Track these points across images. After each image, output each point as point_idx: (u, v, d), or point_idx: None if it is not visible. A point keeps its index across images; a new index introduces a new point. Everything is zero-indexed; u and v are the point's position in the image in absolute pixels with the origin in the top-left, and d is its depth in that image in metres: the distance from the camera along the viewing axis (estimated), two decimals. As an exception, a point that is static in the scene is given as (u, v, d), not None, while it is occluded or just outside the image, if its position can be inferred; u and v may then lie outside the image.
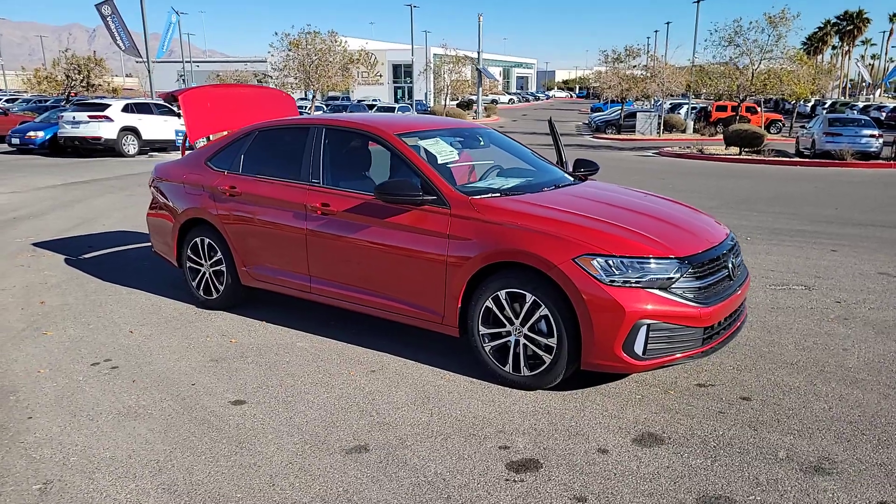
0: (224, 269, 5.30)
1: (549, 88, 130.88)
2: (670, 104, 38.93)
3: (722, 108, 35.46)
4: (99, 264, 7.06)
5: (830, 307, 5.34)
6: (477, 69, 48.92)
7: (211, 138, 6.16)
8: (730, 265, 3.96)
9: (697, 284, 3.65)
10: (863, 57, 73.44)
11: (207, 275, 5.44)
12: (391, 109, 35.69)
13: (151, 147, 21.46)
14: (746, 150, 21.19)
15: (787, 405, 3.65)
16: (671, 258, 3.61)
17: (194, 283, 5.55)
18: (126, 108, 20.73)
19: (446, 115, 34.84)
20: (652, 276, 3.54)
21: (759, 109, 33.03)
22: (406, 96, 66.79)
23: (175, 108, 22.78)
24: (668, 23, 48.05)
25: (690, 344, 3.62)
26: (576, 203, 4.20)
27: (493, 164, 5.03)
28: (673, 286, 3.57)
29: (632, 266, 3.54)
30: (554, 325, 3.66)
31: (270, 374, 4.18)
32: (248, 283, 5.22)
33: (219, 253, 5.30)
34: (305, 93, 36.10)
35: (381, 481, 2.97)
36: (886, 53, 70.80)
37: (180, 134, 21.42)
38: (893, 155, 21.45)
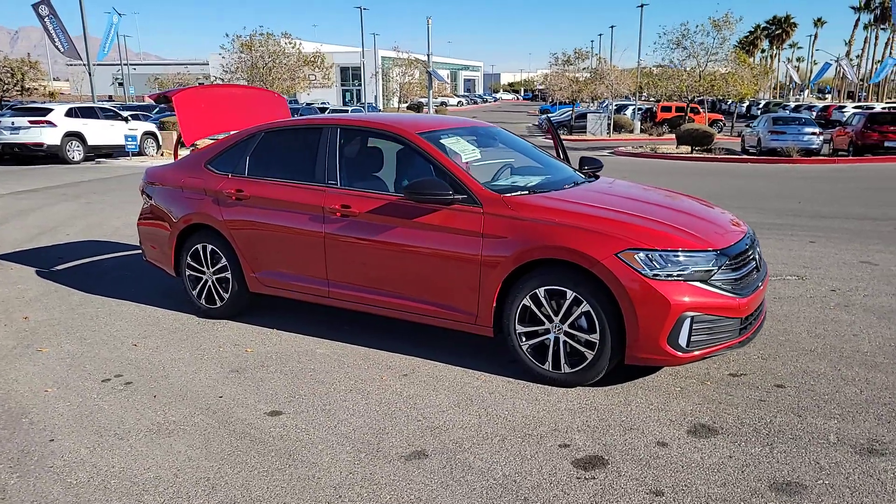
0: (229, 275, 5.10)
1: (496, 91, 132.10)
2: (616, 105, 39.85)
3: (667, 109, 36.55)
4: (76, 276, 6.71)
5: (828, 295, 5.54)
6: (427, 71, 48.99)
7: (203, 143, 5.93)
8: (756, 257, 4.04)
9: (734, 276, 3.71)
10: (790, 59, 76.84)
11: (210, 283, 5.23)
12: (343, 112, 35.31)
13: (97, 153, 20.62)
14: (697, 148, 21.87)
15: (820, 391, 3.75)
16: (709, 251, 3.66)
17: (195, 292, 5.33)
18: (70, 113, 19.86)
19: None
20: (693, 269, 3.58)
21: (701, 110, 34.16)
22: (354, 99, 66.34)
23: (121, 113, 21.98)
24: (612, 27, 49.20)
25: (729, 335, 3.68)
26: (605, 199, 4.22)
27: (505, 162, 5.01)
28: (712, 278, 3.62)
29: (673, 259, 3.57)
30: (596, 321, 3.66)
31: (299, 382, 4.04)
32: (256, 290, 5.05)
33: (223, 259, 5.11)
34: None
35: (451, 486, 2.90)
36: (812, 56, 74.38)
37: (130, 139, 20.66)
38: (832, 151, 22.55)
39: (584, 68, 36.82)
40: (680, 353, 3.57)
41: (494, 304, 3.97)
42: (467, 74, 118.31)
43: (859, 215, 9.48)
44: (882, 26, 60.20)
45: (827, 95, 77.73)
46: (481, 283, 3.98)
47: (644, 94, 32.15)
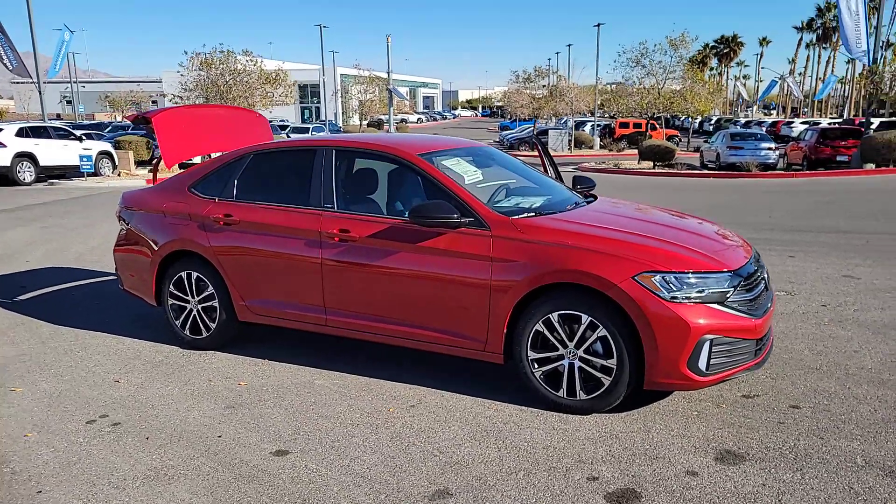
0: (217, 304, 4.86)
1: (454, 108, 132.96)
2: (575, 122, 40.47)
3: (625, 125, 37.23)
4: (42, 306, 6.34)
5: (819, 311, 5.58)
6: (388, 89, 48.94)
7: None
8: (765, 276, 4.03)
9: (748, 297, 3.67)
10: (737, 77, 79.43)
11: (195, 312, 4.97)
12: (304, 130, 34.92)
13: (50, 174, 19.88)
14: (660, 164, 22.26)
15: (835, 410, 3.72)
16: (725, 271, 3.61)
17: (178, 322, 5.06)
18: (21, 133, 19.13)
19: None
20: (710, 291, 3.53)
21: (657, 126, 34.93)
22: (313, 117, 65.80)
23: (73, 133, 21.27)
24: (569, 45, 50.19)
25: (746, 356, 3.63)
26: (613, 220, 4.16)
27: (502, 182, 4.91)
28: (728, 299, 3.57)
29: (691, 281, 3.51)
30: (613, 346, 3.57)
31: (301, 417, 3.83)
32: (246, 318, 4.82)
33: (210, 287, 4.87)
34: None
35: (484, 528, 2.75)
36: (759, 74, 77.13)
37: (85, 159, 19.96)
38: (786, 165, 23.25)
39: (543, 86, 37.31)
40: (700, 377, 3.51)
41: (505, 330, 3.85)
42: (426, 92, 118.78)
43: (830, 228, 9.70)
44: (824, 45, 62.90)
45: (772, 111, 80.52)
46: (491, 308, 3.85)
47: (604, 110, 32.68)
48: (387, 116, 48.88)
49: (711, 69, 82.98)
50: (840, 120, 40.12)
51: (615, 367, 3.59)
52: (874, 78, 20.22)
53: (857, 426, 3.53)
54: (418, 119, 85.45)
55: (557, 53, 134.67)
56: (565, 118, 40.10)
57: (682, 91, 25.17)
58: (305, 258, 4.43)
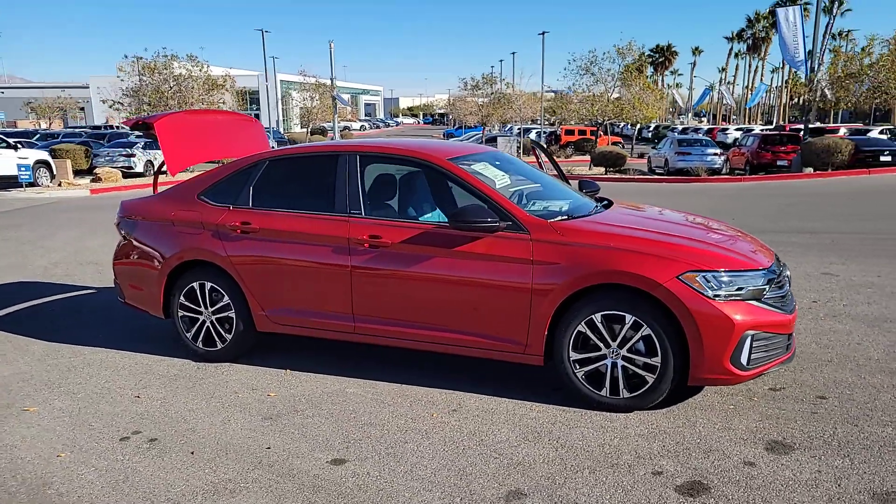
0: (233, 315, 4.74)
1: (396, 115, 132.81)
2: (520, 129, 41.06)
3: (570, 132, 38.03)
4: (24, 323, 6.03)
5: (812, 307, 5.87)
6: (332, 96, 48.48)
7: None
8: (788, 274, 4.22)
9: (780, 293, 3.84)
10: (671, 85, 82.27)
11: (208, 323, 4.83)
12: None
13: (-12, 185, 18.87)
14: (612, 169, 22.85)
15: (860, 399, 3.93)
16: (760, 269, 3.77)
17: (190, 335, 4.91)
18: (-45, 142, 18.08)
19: (310, 143, 34.04)
20: (749, 288, 3.67)
21: (600, 132, 35.84)
22: (255, 124, 64.39)
23: (10, 142, 20.25)
24: (513, 53, 51.00)
25: (780, 351, 3.79)
26: (642, 223, 4.28)
27: (520, 187, 4.96)
28: (764, 296, 3.73)
29: (731, 280, 3.65)
30: (658, 344, 3.67)
31: (346, 426, 3.78)
32: (265, 328, 4.71)
33: (225, 298, 4.74)
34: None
35: (570, 526, 2.79)
36: (692, 82, 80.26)
37: (23, 168, 19.01)
38: (729, 170, 24.24)
39: (492, 93, 37.75)
40: (742, 372, 3.64)
41: (546, 332, 3.90)
42: (367, 99, 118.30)
43: (797, 229, 10.18)
44: (754, 55, 66.06)
45: (703, 119, 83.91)
46: (532, 311, 3.90)
47: (558, 117, 33.32)
48: (330, 123, 48.45)
49: (647, 77, 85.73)
50: (771, 126, 42.07)
51: (659, 364, 3.69)
52: (812, 86, 21.32)
53: (884, 413, 3.74)
54: (361, 126, 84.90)
55: (501, 61, 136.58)
56: (509, 126, 40.66)
57: (632, 98, 25.98)
58: (333, 265, 4.37)
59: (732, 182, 20.15)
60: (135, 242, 5.09)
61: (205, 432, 3.76)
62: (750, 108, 65.02)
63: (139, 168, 23.19)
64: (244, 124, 6.07)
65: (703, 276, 3.62)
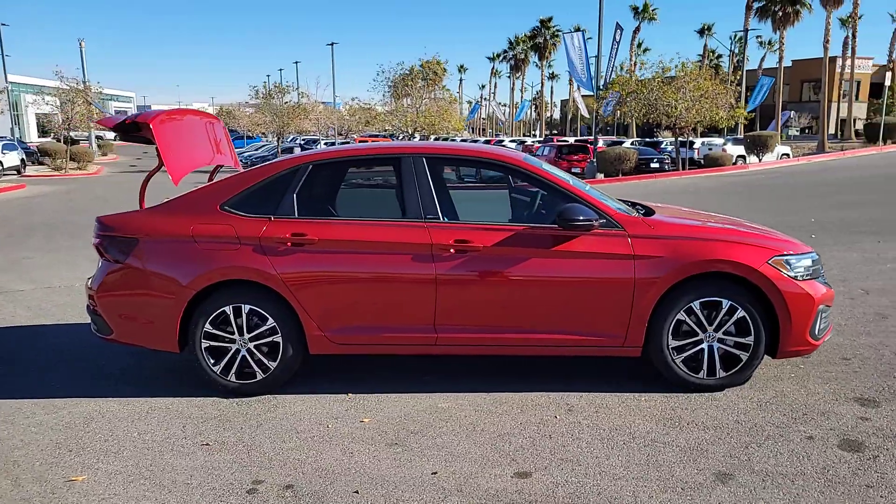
0: (279, 339, 4.18)
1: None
2: (306, 140, 40.44)
3: (364, 143, 38.54)
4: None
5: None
6: (87, 101, 43.07)
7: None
8: None
9: (823, 272, 4.46)
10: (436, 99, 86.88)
11: (244, 352, 4.20)
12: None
13: None
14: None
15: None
16: (812, 252, 4.35)
17: (218, 368, 4.21)
18: None
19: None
20: (814, 268, 4.22)
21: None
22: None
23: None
24: (296, 62, 50.00)
25: (829, 323, 4.41)
26: (702, 218, 4.64)
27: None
28: (821, 274, 4.31)
29: (803, 262, 4.16)
30: (751, 325, 4.05)
31: (480, 439, 3.59)
32: (321, 351, 4.23)
33: (269, 320, 4.16)
34: None
35: (826, 491, 3.00)
36: (461, 98, 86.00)
37: None
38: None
39: (286, 102, 36.69)
40: (816, 342, 4.17)
41: (647, 324, 4.08)
42: (118, 105, 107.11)
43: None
44: (517, 75, 72.76)
45: (471, 132, 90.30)
46: (634, 304, 4.05)
47: (371, 128, 33.43)
48: (77, 132, 43.12)
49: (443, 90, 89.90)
50: (541, 139, 46.69)
51: (752, 343, 4.08)
52: (598, 103, 24.21)
53: (894, 363, 4.53)
54: (115, 136, 76.59)
55: (281, 70, 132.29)
56: (294, 137, 39.83)
57: (440, 111, 27.16)
58: (413, 275, 4.08)
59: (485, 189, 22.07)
60: (136, 266, 4.21)
61: (339, 469, 3.30)
62: (518, 122, 71.42)
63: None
64: (215, 126, 5.31)
65: (786, 260, 4.08)
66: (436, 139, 28.76)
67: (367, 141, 38.44)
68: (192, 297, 4.14)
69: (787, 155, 30.10)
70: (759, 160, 27.41)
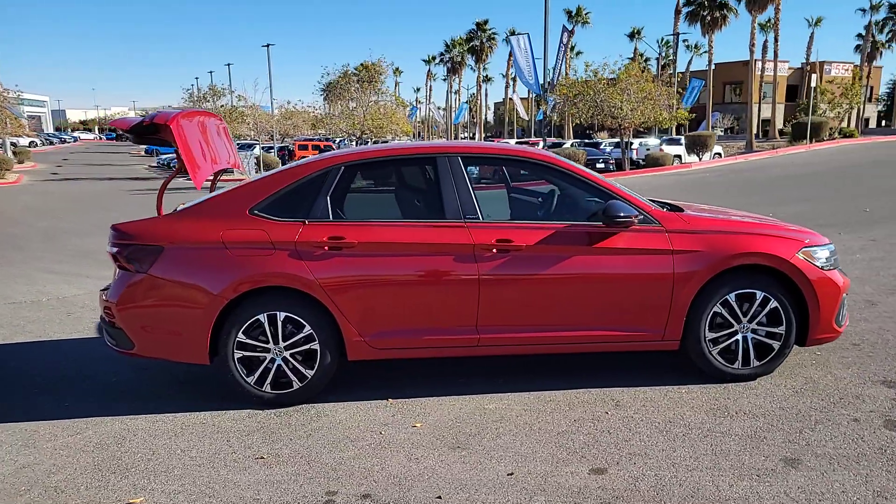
0: (317, 346, 4.04)
1: (63, 129, 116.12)
2: (247, 143, 39.38)
3: (304, 147, 37.85)
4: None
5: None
6: (3, 106, 40.53)
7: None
8: None
9: (839, 262, 4.66)
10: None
11: (279, 361, 4.04)
12: None
13: None
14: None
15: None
16: (831, 243, 4.53)
17: (252, 379, 4.03)
18: None
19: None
20: (835, 258, 4.40)
21: (333, 147, 36.45)
22: None
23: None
24: (228, 64, 48.70)
25: (847, 310, 4.61)
26: (728, 213, 4.75)
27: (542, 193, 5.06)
28: (840, 265, 4.50)
29: (825, 253, 4.33)
30: (783, 314, 4.19)
31: (535, 439, 3.57)
32: (361, 356, 4.11)
33: (306, 327, 4.01)
34: None
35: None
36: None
37: None
38: (478, 178, 26.71)
39: (221, 106, 35.65)
40: (840, 329, 4.34)
41: (686, 317, 4.16)
42: (30, 110, 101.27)
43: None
44: (454, 77, 73.00)
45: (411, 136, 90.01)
46: (673, 298, 4.12)
47: (318, 131, 32.77)
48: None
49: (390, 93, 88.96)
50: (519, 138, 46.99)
51: (784, 332, 4.21)
52: (544, 104, 24.60)
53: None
54: (31, 143, 72.45)
55: (211, 72, 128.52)
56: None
57: (387, 113, 26.98)
58: (456, 276, 4.03)
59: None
60: (162, 275, 3.98)
61: (411, 475, 3.22)
62: (457, 125, 71.68)
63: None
64: (221, 127, 5.07)
65: (813, 251, 4.24)
66: (383, 142, 28.58)
67: (306, 145, 37.87)
68: (225, 306, 3.95)
69: (720, 154, 31.46)
70: (700, 159, 28.51)
